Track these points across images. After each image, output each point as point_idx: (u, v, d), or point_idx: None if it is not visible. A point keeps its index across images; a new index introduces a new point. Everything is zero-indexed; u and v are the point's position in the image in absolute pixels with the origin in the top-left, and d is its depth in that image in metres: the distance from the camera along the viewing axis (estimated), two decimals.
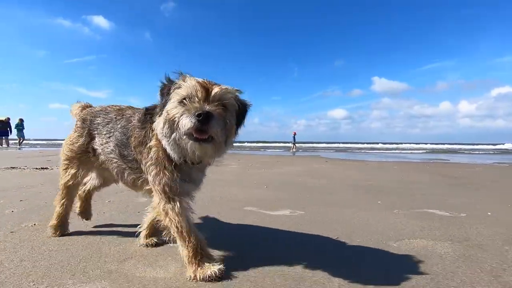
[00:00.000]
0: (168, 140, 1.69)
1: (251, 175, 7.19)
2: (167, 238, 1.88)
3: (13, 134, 21.37)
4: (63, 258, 2.05)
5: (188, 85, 1.69)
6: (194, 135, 1.59)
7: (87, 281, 1.73)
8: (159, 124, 1.74)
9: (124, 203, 3.77)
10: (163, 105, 1.75)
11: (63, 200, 2.50)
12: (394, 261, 2.15)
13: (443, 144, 69.43)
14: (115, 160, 2.21)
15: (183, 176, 1.87)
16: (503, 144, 53.33)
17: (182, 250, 1.82)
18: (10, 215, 3.10)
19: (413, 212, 3.61)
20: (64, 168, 2.47)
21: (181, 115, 1.60)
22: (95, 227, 2.80)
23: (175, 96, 1.70)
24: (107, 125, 2.29)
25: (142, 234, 2.30)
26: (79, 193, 2.71)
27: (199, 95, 1.65)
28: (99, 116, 2.37)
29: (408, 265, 2.06)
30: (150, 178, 1.91)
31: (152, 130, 1.89)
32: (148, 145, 1.92)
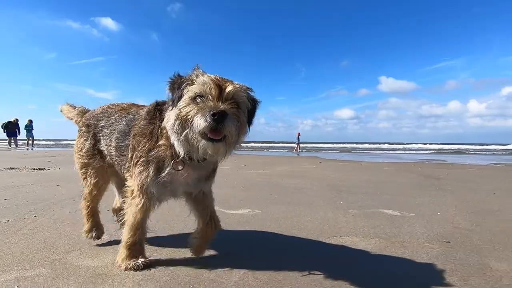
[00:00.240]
0: (179, 137, 1.65)
1: (238, 175, 7.44)
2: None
3: (22, 135, 22.27)
4: (18, 250, 2.33)
5: (201, 82, 1.66)
6: (208, 135, 1.57)
7: (30, 268, 2.01)
8: (169, 120, 1.72)
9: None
10: (174, 100, 1.72)
11: (89, 204, 2.49)
12: (311, 254, 2.38)
13: (452, 144, 68.28)
14: (115, 156, 2.22)
15: (172, 179, 1.88)
16: None
17: (123, 237, 2.02)
18: None
19: (366, 211, 3.80)
20: (84, 177, 2.46)
21: (195, 114, 1.58)
22: (59, 223, 3.09)
23: (188, 93, 1.67)
24: (111, 126, 2.30)
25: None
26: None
27: (213, 93, 1.63)
28: (102, 119, 2.39)
29: (321, 258, 2.28)
30: (135, 170, 1.92)
31: (161, 129, 1.87)
32: (153, 142, 1.89)
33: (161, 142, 1.85)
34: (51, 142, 45.99)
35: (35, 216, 3.28)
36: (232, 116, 1.59)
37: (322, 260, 2.25)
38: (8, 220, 3.12)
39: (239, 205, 4.05)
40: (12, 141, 21.56)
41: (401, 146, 54.05)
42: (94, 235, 2.48)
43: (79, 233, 2.60)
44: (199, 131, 1.57)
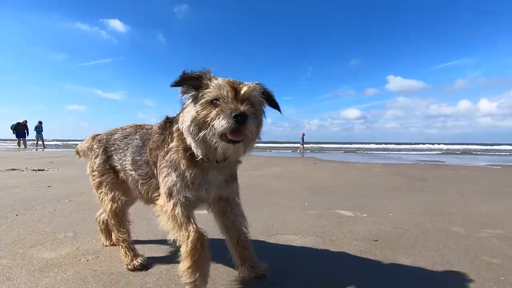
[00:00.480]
0: (195, 138, 1.68)
1: None
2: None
3: (32, 136, 23.18)
4: None
5: (217, 85, 1.70)
6: (229, 137, 1.61)
7: None
8: (185, 121, 1.75)
9: (77, 204, 4.44)
10: (194, 96, 1.76)
11: (117, 226, 2.36)
12: None
13: (462, 144, 67.05)
14: (130, 171, 2.23)
15: (194, 180, 1.86)
16: None
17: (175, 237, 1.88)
18: None
19: (323, 212, 4.04)
20: (101, 198, 2.38)
21: (216, 116, 1.61)
22: (36, 221, 3.46)
23: (204, 96, 1.71)
24: (125, 139, 2.34)
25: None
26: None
27: (230, 95, 1.67)
28: (116, 133, 2.43)
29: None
30: (160, 180, 1.95)
31: (172, 136, 1.93)
32: (165, 149, 1.93)
33: (172, 144, 1.90)
34: (60, 143, 47.14)
35: (16, 215, 3.67)
36: (251, 116, 1.65)
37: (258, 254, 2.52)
38: None
39: None
40: (21, 141, 22.47)
41: (408, 147, 53.44)
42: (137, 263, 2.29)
43: (51, 229, 2.94)
44: (219, 132, 1.60)
